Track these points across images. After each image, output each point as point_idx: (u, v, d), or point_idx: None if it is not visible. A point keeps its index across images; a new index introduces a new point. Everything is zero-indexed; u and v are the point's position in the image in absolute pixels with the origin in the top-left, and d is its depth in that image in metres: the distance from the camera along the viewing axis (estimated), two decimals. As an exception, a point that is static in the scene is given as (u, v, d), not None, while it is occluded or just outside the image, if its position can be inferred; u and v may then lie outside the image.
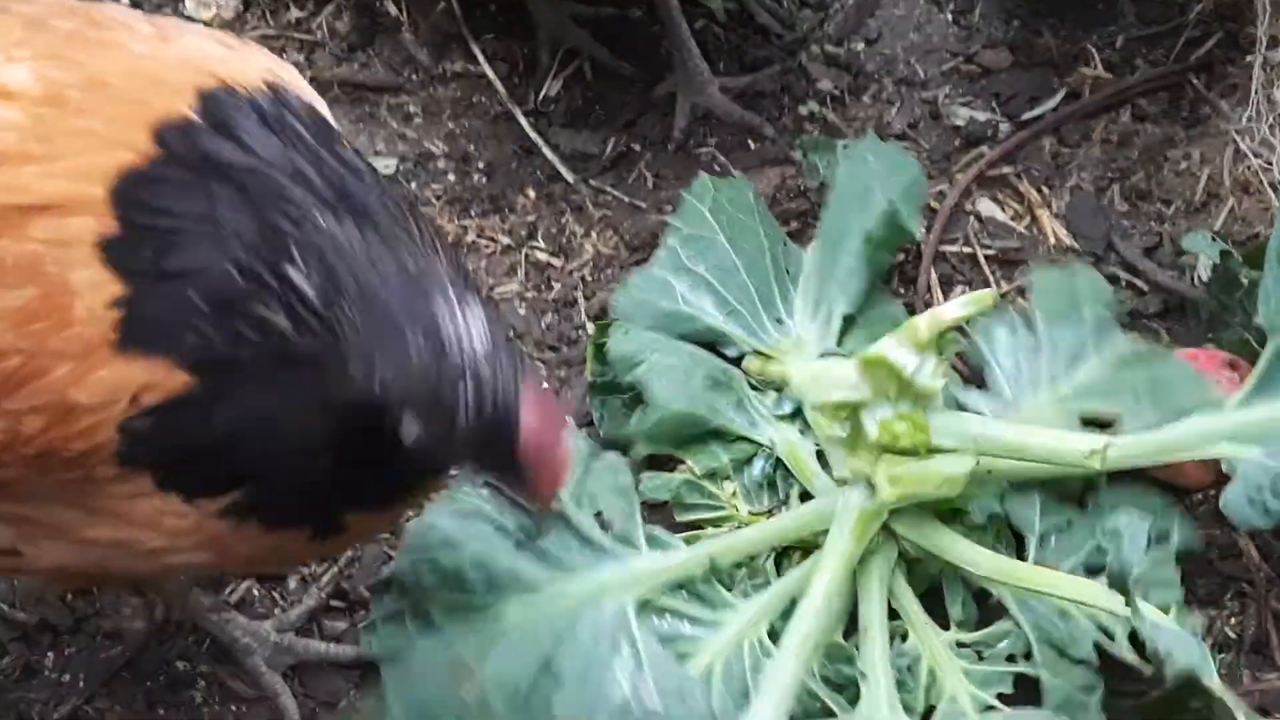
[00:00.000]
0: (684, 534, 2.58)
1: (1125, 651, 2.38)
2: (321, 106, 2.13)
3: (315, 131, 2.03)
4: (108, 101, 1.98)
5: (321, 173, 1.97)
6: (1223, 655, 2.54)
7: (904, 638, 2.49)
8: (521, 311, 2.95)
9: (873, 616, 2.45)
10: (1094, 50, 3.30)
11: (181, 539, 2.02)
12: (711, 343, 2.78)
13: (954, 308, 2.47)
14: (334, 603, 2.63)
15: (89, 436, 1.91)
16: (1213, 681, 2.20)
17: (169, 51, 2.07)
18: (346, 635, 2.60)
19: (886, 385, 2.43)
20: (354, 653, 2.55)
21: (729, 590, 2.50)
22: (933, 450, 2.43)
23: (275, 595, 2.64)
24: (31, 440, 1.92)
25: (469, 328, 1.87)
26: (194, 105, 1.98)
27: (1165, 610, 2.32)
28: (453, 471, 2.11)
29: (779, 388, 2.70)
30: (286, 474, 1.98)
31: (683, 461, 2.68)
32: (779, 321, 2.79)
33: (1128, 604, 2.23)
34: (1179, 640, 2.21)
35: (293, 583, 2.65)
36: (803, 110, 3.24)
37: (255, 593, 2.64)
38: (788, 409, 2.68)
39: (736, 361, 2.76)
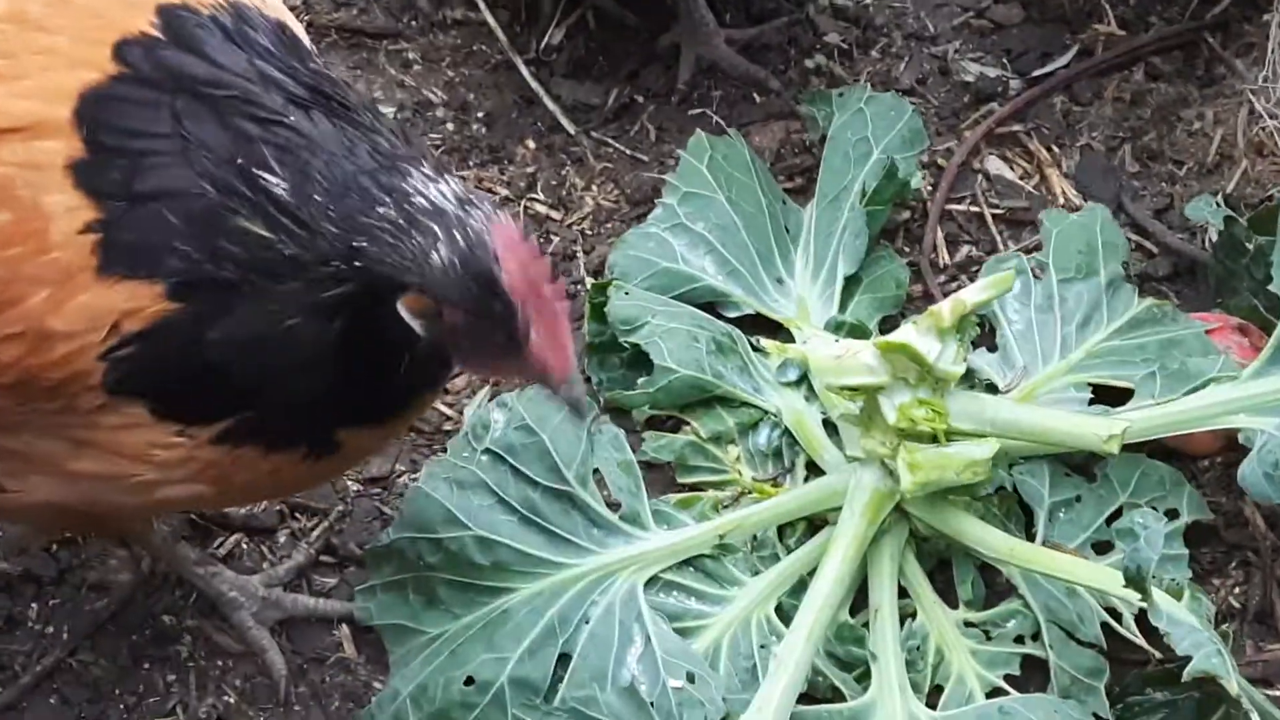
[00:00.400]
0: (686, 496, 2.57)
1: (1133, 633, 2.38)
2: (292, 23, 2.09)
3: (282, 44, 2.01)
4: (70, 17, 1.95)
5: (293, 77, 1.95)
6: (1227, 625, 2.52)
7: (913, 616, 2.47)
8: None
9: (884, 597, 2.43)
10: (1107, 6, 3.24)
11: (174, 470, 1.98)
12: (710, 303, 2.76)
13: (976, 291, 2.44)
14: (323, 558, 2.60)
15: (67, 365, 1.88)
16: (1231, 684, 2.18)
17: None
18: (336, 591, 2.58)
19: (906, 370, 2.40)
20: (343, 608, 2.53)
21: (735, 563, 2.49)
22: (951, 434, 2.41)
23: (264, 549, 2.61)
24: (8, 369, 1.88)
25: (443, 193, 1.86)
26: (155, 21, 1.95)
27: (1176, 593, 2.29)
28: (452, 371, 2.07)
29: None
30: (282, 392, 1.95)
31: (686, 422, 2.66)
32: (779, 281, 2.77)
33: (1144, 600, 2.21)
34: (1197, 640, 2.19)
35: (282, 537, 2.62)
36: (809, 64, 3.19)
37: (244, 546, 2.61)
38: (793, 375, 2.66)
39: (735, 323, 2.73)
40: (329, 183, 1.86)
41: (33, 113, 1.88)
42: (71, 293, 1.86)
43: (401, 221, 1.83)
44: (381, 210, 1.84)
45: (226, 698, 2.48)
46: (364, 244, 1.84)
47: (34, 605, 2.53)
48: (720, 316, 2.74)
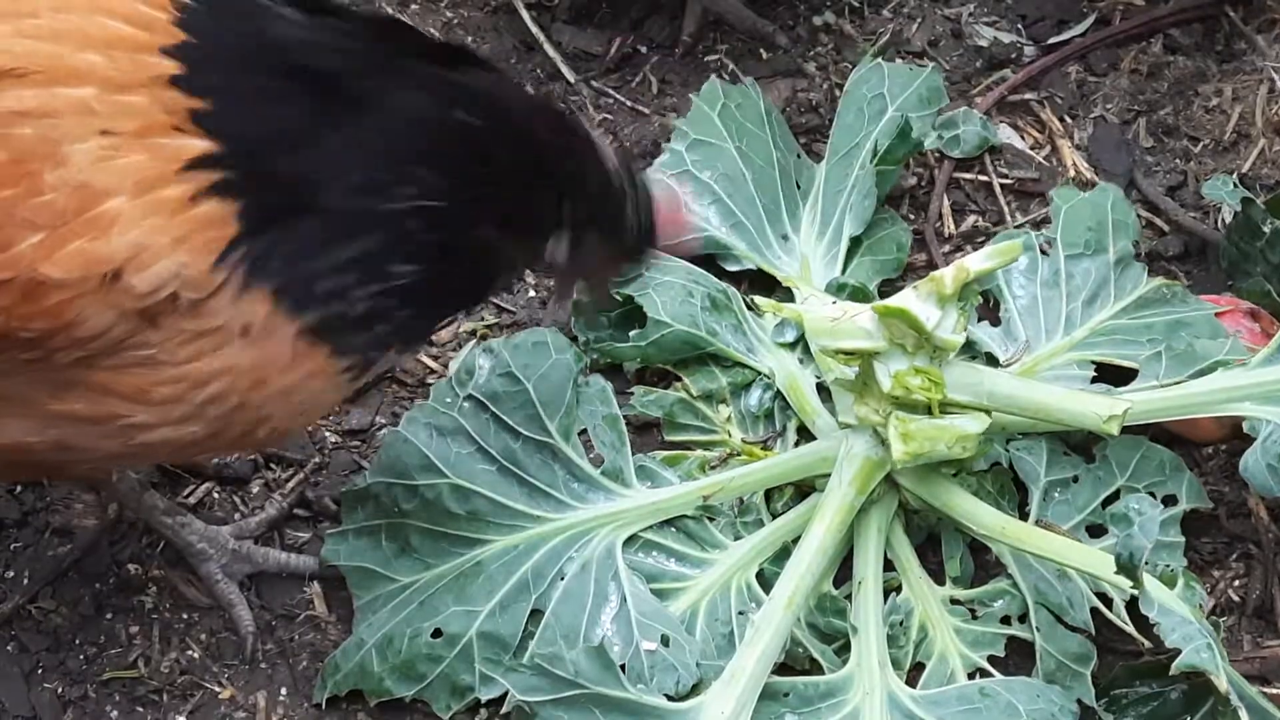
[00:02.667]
0: (672, 454, 2.54)
1: (1123, 620, 2.35)
2: None
3: None
4: None
5: None
6: (1224, 619, 2.47)
7: (897, 590, 2.44)
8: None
9: (868, 569, 2.40)
10: (1127, -26, 3.18)
11: (174, 408, 1.93)
12: (710, 256, 2.72)
13: (979, 259, 2.40)
14: (297, 511, 2.56)
15: (54, 315, 1.83)
16: (1220, 680, 2.13)
17: None
18: (309, 546, 2.54)
19: (904, 337, 2.35)
20: (315, 564, 2.49)
21: (719, 526, 2.46)
22: (945, 405, 2.36)
23: (236, 499, 2.58)
24: None
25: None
26: None
27: (1170, 580, 2.24)
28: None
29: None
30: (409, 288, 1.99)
31: (677, 378, 2.63)
32: (784, 238, 2.73)
33: (1135, 588, 2.17)
34: (1188, 632, 2.15)
35: (255, 488, 2.59)
36: (818, 21, 3.15)
37: (215, 495, 2.58)
38: (789, 336, 2.62)
39: (735, 280, 2.70)
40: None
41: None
42: (65, 238, 1.80)
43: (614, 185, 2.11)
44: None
45: (191, 652, 2.43)
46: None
47: (-6, 548, 2.49)
48: (720, 271, 2.70)
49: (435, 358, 2.70)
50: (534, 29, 3.07)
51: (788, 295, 2.66)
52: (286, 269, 1.91)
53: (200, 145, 1.86)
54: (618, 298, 2.60)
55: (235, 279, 1.88)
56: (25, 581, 2.46)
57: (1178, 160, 2.96)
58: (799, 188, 2.78)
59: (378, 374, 2.37)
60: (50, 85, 1.82)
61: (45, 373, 1.90)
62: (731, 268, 2.71)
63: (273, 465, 2.59)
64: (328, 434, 2.62)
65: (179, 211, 1.84)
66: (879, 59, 2.92)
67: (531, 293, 2.78)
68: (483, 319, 2.74)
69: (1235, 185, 2.68)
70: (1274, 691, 2.39)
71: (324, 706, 2.37)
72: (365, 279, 1.95)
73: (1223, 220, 2.78)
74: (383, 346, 2.05)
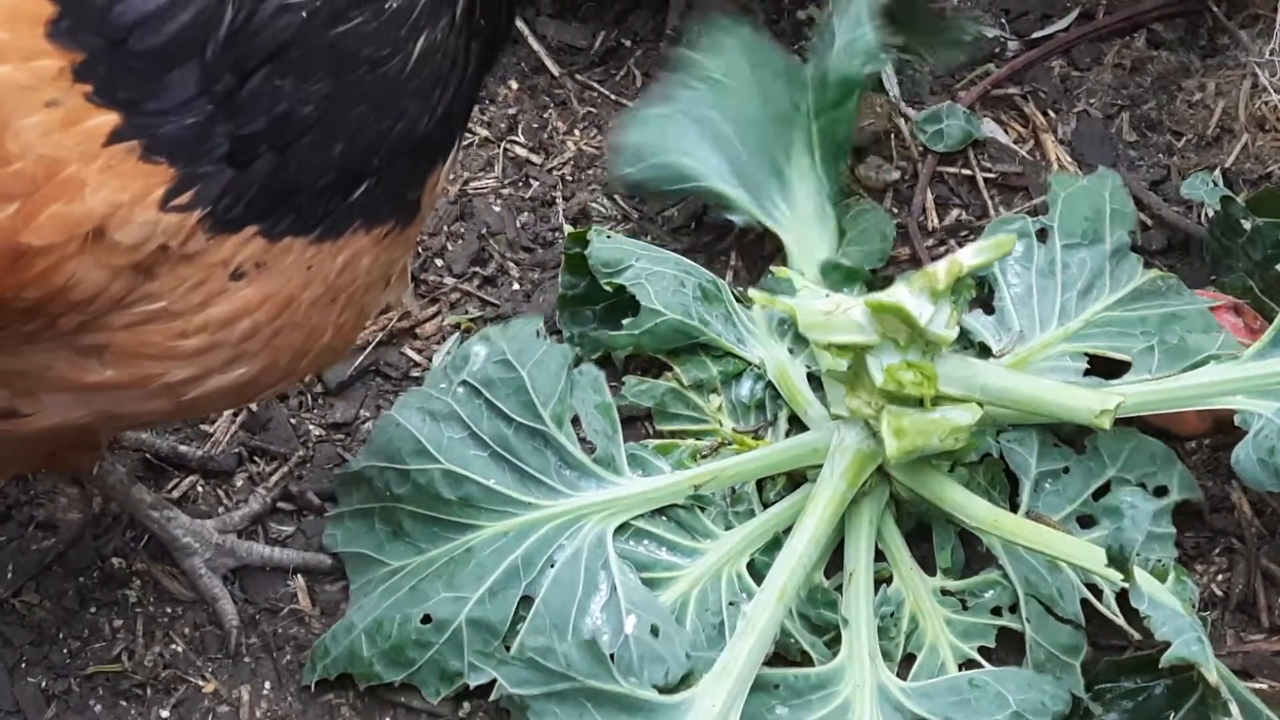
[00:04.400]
0: (664, 443, 2.54)
1: (1113, 612, 2.35)
2: None
3: None
4: None
5: None
6: (1208, 613, 2.47)
7: (888, 581, 2.43)
8: (497, 209, 2.86)
9: (859, 561, 2.40)
10: (1110, -30, 3.18)
11: (214, 354, 1.91)
12: (711, 203, 2.74)
13: (973, 253, 2.39)
14: (281, 505, 2.55)
15: (45, 281, 1.81)
16: (1210, 673, 2.14)
17: None
18: (293, 539, 2.53)
19: (896, 331, 2.35)
20: (299, 558, 2.48)
21: (710, 515, 2.46)
22: (938, 398, 2.35)
23: (220, 493, 2.57)
24: None
25: None
26: None
27: (1161, 573, 2.24)
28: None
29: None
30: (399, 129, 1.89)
31: (669, 368, 2.62)
32: (780, 178, 2.72)
33: (1126, 581, 2.17)
34: (1179, 625, 2.15)
35: (239, 481, 2.58)
36: (801, 15, 3.14)
37: (199, 489, 2.57)
38: (781, 327, 2.62)
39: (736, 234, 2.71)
40: None
41: None
42: (41, 203, 1.78)
43: None
44: None
45: (174, 646, 2.42)
46: None
47: (-23, 543, 2.48)
48: (717, 224, 2.71)
49: (419, 351, 2.69)
50: (518, 21, 3.05)
51: (783, 260, 2.67)
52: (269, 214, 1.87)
53: (110, 118, 1.82)
54: (607, 289, 2.60)
55: (204, 223, 1.85)
56: (9, 575, 2.44)
57: (1161, 155, 2.96)
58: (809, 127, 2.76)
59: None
60: None
61: (61, 344, 1.88)
62: (736, 219, 2.71)
63: (257, 459, 2.58)
64: (312, 427, 2.61)
65: (127, 172, 1.82)
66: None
67: (515, 285, 2.77)
68: (467, 312, 2.73)
69: (1215, 184, 2.68)
70: (1258, 686, 2.39)
71: (312, 689, 2.36)
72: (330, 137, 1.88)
73: (1206, 215, 2.78)
74: (430, 165, 1.97)
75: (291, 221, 1.88)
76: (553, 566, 2.35)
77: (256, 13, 1.82)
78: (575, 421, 2.48)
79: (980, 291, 2.61)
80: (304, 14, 1.82)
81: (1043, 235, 2.66)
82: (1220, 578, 2.53)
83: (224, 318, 1.89)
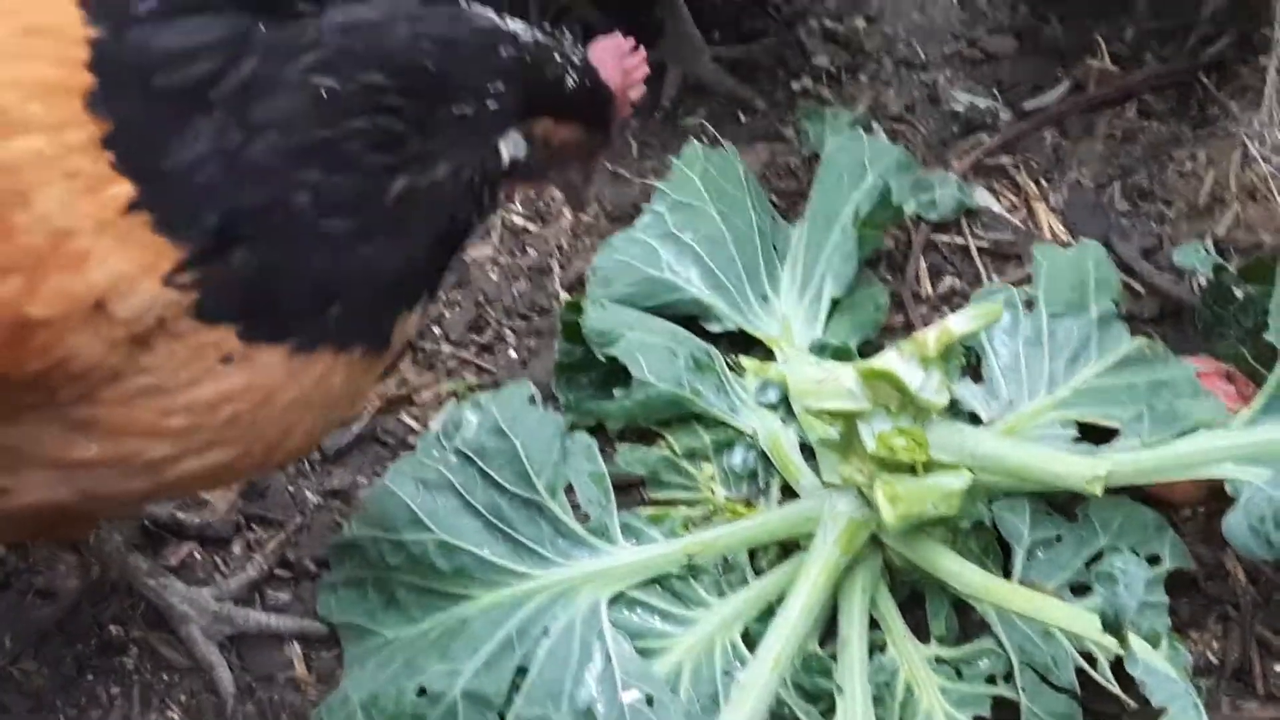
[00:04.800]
0: (656, 511, 2.54)
1: (1108, 679, 2.33)
2: None
3: None
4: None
5: None
6: (1203, 680, 2.45)
7: (882, 649, 2.42)
8: (494, 277, 2.87)
9: (853, 629, 2.39)
10: (1102, 42, 3.24)
11: (194, 437, 1.93)
12: (693, 316, 2.74)
13: (962, 321, 2.40)
14: (278, 572, 2.55)
15: (45, 354, 1.83)
16: None
17: None
18: (289, 607, 2.52)
19: (887, 398, 2.36)
20: (296, 625, 2.48)
21: (703, 584, 2.45)
22: (929, 465, 2.36)
23: (218, 560, 2.56)
24: None
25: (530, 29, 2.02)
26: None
27: (1155, 640, 2.24)
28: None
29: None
30: (374, 270, 1.94)
31: (661, 436, 2.63)
32: (764, 299, 2.75)
33: (1121, 647, 2.17)
34: (1174, 693, 2.15)
35: (237, 549, 2.58)
36: (796, 86, 3.19)
37: (197, 556, 2.57)
38: (772, 397, 2.62)
39: (715, 339, 2.71)
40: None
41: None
42: (45, 275, 1.80)
43: (532, 51, 1.99)
44: (504, 49, 1.96)
45: (171, 714, 2.42)
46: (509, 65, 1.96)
47: (-23, 610, 2.48)
48: (701, 331, 2.71)
49: (417, 418, 2.69)
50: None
51: (767, 355, 2.67)
52: (248, 311, 1.90)
53: (127, 188, 1.85)
54: (602, 358, 2.60)
55: (194, 308, 1.87)
56: (8, 643, 2.44)
57: (1153, 224, 2.98)
58: (776, 250, 2.79)
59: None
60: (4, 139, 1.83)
61: (53, 418, 1.90)
62: (714, 328, 2.72)
63: (254, 526, 2.58)
64: (309, 494, 2.61)
65: (137, 242, 1.84)
66: (858, 127, 2.95)
67: (512, 353, 2.79)
68: (464, 379, 2.74)
69: (1207, 252, 2.70)
70: (1253, 753, 2.39)
71: (309, 761, 2.36)
72: (336, 274, 1.92)
73: (1198, 283, 2.79)
74: (403, 306, 2.02)
75: (269, 328, 1.91)
76: (547, 636, 2.34)
77: (278, 78, 1.87)
78: (569, 489, 2.47)
79: (969, 360, 2.63)
80: (324, 93, 1.87)
81: (1029, 305, 2.68)
82: (1215, 645, 2.52)
83: (208, 401, 1.91)
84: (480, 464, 2.44)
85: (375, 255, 1.93)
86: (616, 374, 2.61)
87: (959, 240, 2.96)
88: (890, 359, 2.37)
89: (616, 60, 2.09)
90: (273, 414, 1.97)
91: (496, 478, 2.43)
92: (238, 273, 1.87)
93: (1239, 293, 2.61)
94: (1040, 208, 3.00)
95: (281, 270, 1.89)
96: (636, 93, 2.13)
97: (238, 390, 1.92)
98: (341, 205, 1.89)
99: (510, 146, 2.01)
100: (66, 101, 1.84)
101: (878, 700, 2.36)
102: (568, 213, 2.95)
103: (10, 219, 1.80)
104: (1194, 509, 2.59)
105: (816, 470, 2.52)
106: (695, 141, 2.89)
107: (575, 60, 2.04)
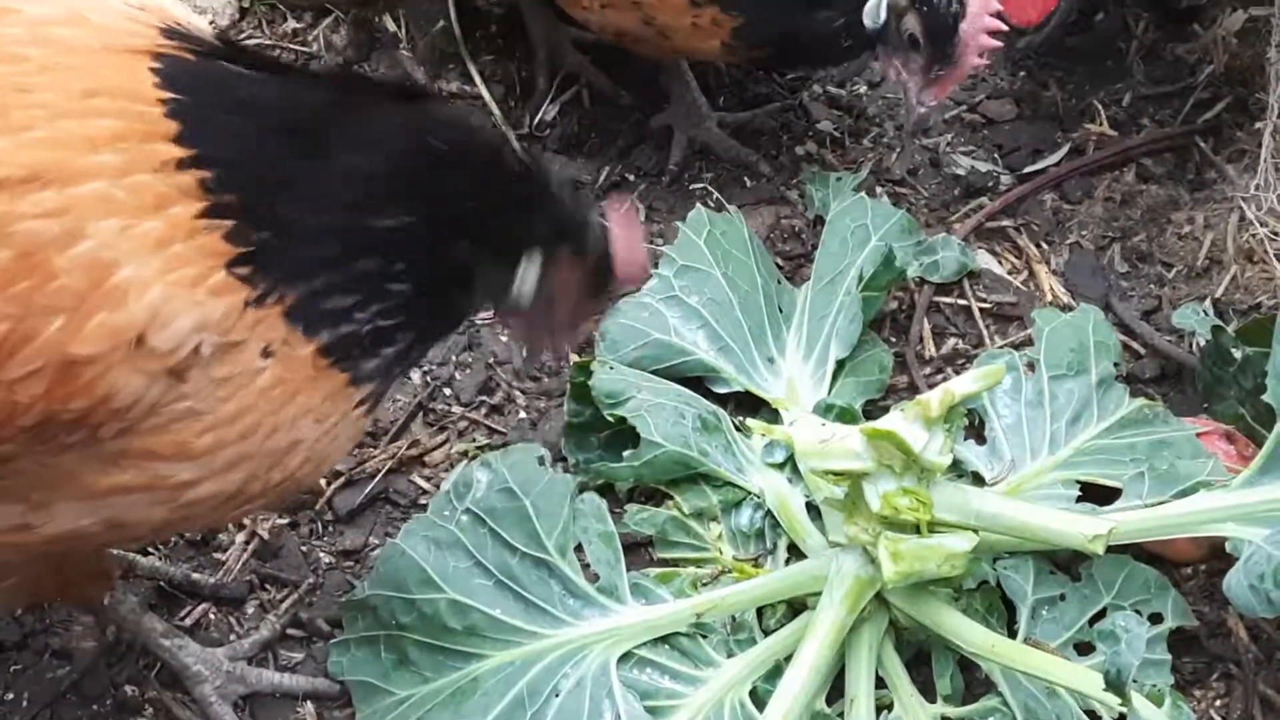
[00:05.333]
0: (665, 571, 2.55)
1: None
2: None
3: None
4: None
5: None
6: (1206, 737, 2.48)
7: (889, 707, 2.43)
8: (504, 339, 2.89)
9: (860, 687, 2.40)
10: (1100, 107, 3.27)
11: (215, 457, 1.96)
12: (700, 377, 2.76)
13: (965, 383, 2.42)
14: (291, 632, 2.56)
15: (90, 391, 1.85)
16: None
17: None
18: (302, 666, 2.53)
19: (892, 458, 2.38)
20: (309, 684, 2.49)
21: (712, 643, 2.46)
22: (934, 524, 2.38)
23: (232, 620, 2.57)
24: (30, 409, 1.84)
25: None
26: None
27: (1158, 699, 2.26)
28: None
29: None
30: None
31: (669, 496, 2.64)
32: (770, 361, 2.77)
33: (1124, 705, 2.18)
34: None
35: (250, 609, 2.59)
36: (800, 150, 3.21)
37: (211, 616, 2.58)
38: (778, 457, 2.64)
39: (722, 400, 2.72)
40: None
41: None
42: (89, 313, 1.83)
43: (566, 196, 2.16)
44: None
45: (186, 773, 2.43)
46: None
47: (-4, 670, 2.48)
48: (708, 393, 2.74)
49: (428, 479, 2.71)
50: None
51: (774, 416, 2.69)
52: (295, 291, 1.96)
53: (202, 203, 1.90)
54: (610, 419, 2.64)
55: (250, 309, 1.93)
56: (25, 703, 2.45)
57: (1152, 285, 3.01)
58: (781, 312, 2.82)
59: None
60: (65, 185, 1.85)
61: (93, 450, 1.91)
62: (720, 390, 2.74)
63: (268, 586, 2.60)
64: (322, 554, 2.63)
65: (189, 260, 1.89)
66: (861, 190, 2.99)
67: (522, 414, 2.80)
68: (475, 440, 2.77)
69: (1205, 314, 2.72)
70: (1256, 812, 2.41)
71: (322, 824, 2.36)
72: (367, 298, 2.01)
73: (1197, 344, 2.82)
74: (390, 374, 2.09)
75: (311, 325, 1.99)
76: (558, 696, 2.35)
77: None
78: (578, 549, 2.49)
79: (972, 422, 2.65)
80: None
81: (1031, 367, 2.70)
82: (1219, 703, 2.53)
83: (230, 414, 1.94)
84: (491, 524, 2.46)
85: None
86: (625, 435, 2.62)
87: (961, 302, 2.98)
88: (894, 420, 2.39)
89: (629, 234, 2.20)
90: (285, 419, 2.00)
91: (507, 537, 2.45)
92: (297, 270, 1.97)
93: (1238, 354, 2.63)
94: (1041, 270, 3.03)
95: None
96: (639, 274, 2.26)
97: (265, 386, 1.96)
98: (395, 266, 2.03)
99: (524, 268, 2.14)
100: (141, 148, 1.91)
101: (885, 758, 2.37)
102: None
103: (50, 260, 1.82)
104: (1195, 567, 2.60)
105: (823, 530, 2.54)
106: (701, 206, 2.92)
107: (596, 226, 2.18)
